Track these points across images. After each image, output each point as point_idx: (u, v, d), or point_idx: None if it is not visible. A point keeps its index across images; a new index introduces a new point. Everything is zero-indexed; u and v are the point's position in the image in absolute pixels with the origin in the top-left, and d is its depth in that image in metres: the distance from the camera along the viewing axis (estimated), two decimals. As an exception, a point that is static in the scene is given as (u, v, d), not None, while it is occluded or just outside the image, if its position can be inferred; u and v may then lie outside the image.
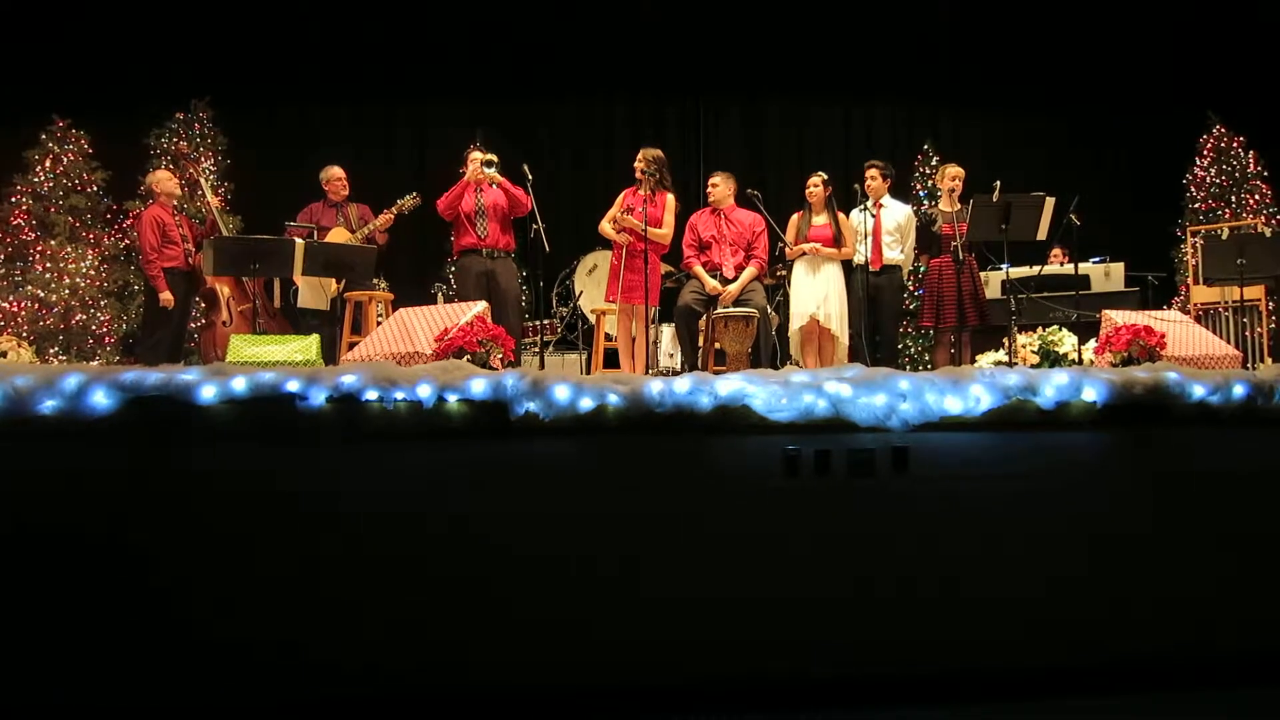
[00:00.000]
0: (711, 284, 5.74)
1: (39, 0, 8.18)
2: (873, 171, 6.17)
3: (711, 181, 6.00)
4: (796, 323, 5.92)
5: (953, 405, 3.13)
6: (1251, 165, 8.56)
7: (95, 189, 7.93)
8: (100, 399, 2.89)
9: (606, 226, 5.88)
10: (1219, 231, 7.93)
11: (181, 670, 2.89)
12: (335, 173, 6.53)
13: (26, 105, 7.81)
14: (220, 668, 2.90)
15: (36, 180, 7.70)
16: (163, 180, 6.35)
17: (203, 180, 6.96)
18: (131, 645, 2.88)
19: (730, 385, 3.08)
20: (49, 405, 2.87)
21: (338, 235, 6.30)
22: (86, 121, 7.97)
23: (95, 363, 7.21)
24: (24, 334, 7.16)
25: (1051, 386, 3.19)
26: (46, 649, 2.86)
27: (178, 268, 6.21)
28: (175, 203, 6.43)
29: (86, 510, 2.89)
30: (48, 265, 7.50)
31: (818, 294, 5.87)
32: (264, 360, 4.72)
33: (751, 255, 5.87)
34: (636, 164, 5.83)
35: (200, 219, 7.03)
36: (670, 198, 5.88)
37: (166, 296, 6.09)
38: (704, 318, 5.79)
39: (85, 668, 2.86)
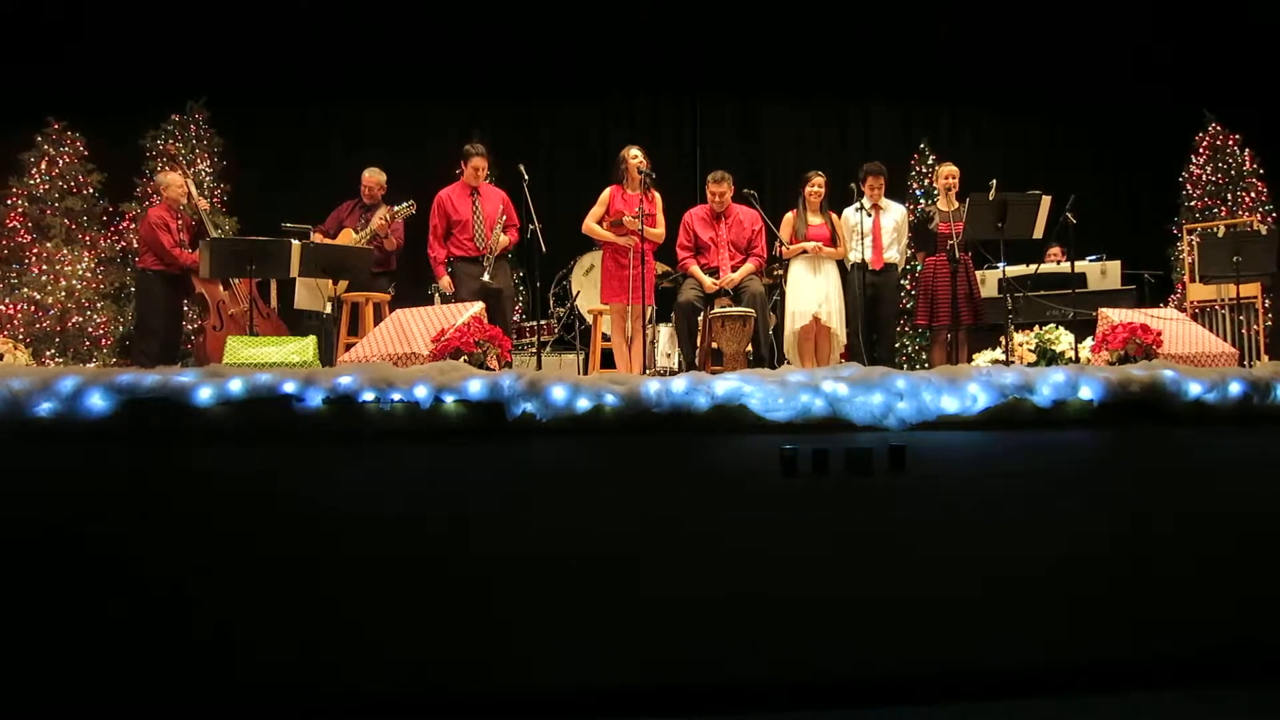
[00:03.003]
0: (710, 282, 5.73)
1: (35, 2, 8.17)
2: (879, 179, 6.16)
3: (718, 190, 5.88)
4: (799, 322, 5.89)
5: (949, 404, 3.14)
6: (1248, 163, 8.57)
7: (91, 191, 7.91)
8: (97, 401, 2.89)
9: (596, 227, 5.86)
10: (1215, 229, 7.95)
11: (178, 671, 2.89)
12: (371, 177, 6.58)
13: (22, 107, 7.79)
14: (218, 668, 2.90)
15: (32, 182, 7.69)
16: (173, 185, 6.35)
17: (190, 185, 6.95)
18: (128, 646, 2.87)
19: (727, 385, 3.08)
20: (46, 408, 2.87)
21: (344, 237, 6.33)
22: (82, 123, 7.95)
23: (92, 365, 7.20)
24: (20, 336, 7.15)
25: (1048, 385, 3.20)
26: (44, 651, 2.85)
27: (172, 270, 6.20)
28: (180, 206, 6.42)
29: (84, 512, 2.89)
30: (44, 268, 7.49)
31: (819, 293, 5.87)
32: (261, 362, 4.72)
33: (751, 253, 5.88)
34: (638, 163, 5.80)
35: (196, 221, 7.03)
36: (658, 195, 5.89)
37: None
38: (703, 316, 5.80)
39: (81, 669, 2.86)
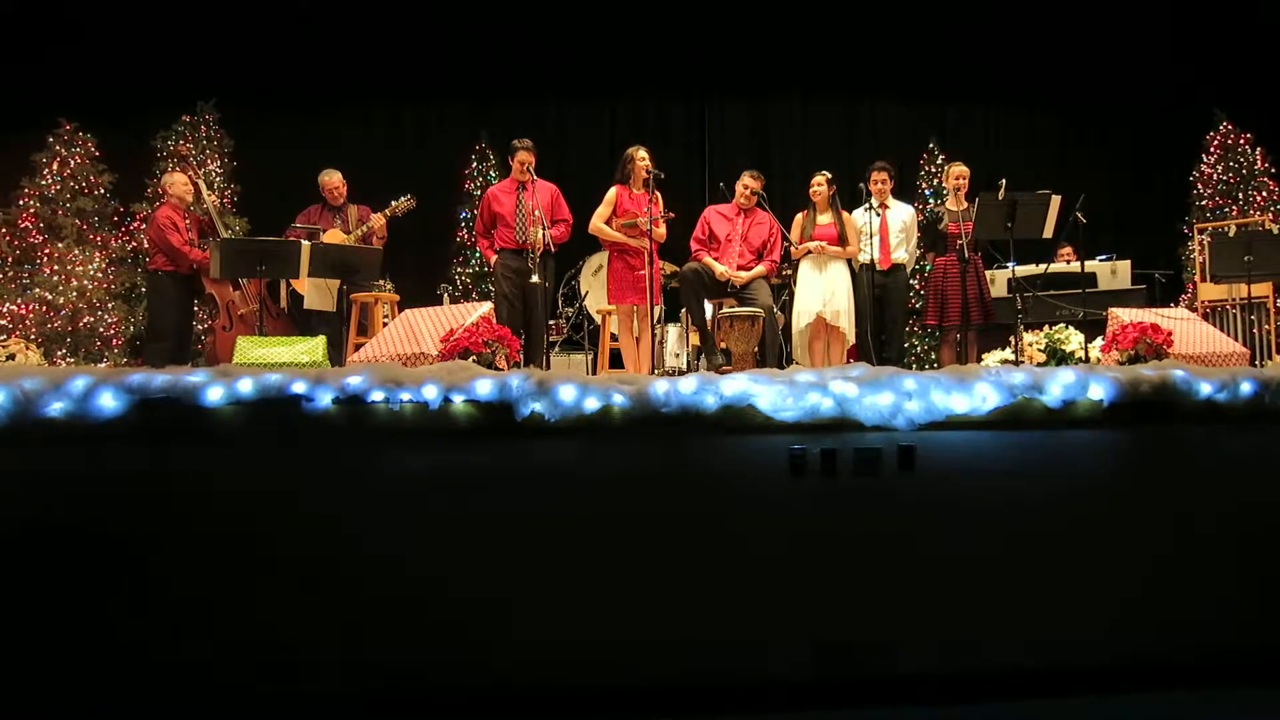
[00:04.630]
0: (721, 270, 5.73)
1: (46, 3, 8.22)
2: (882, 175, 6.15)
3: (753, 185, 5.89)
4: (803, 320, 5.88)
5: (959, 404, 3.13)
6: (1259, 162, 8.53)
7: (102, 191, 7.97)
8: (108, 401, 2.90)
9: (605, 227, 5.86)
10: (1226, 229, 7.91)
11: (185, 670, 2.90)
12: (330, 179, 6.54)
13: (33, 108, 7.85)
14: (227, 669, 2.91)
15: (44, 183, 7.74)
16: (178, 184, 6.37)
17: (201, 184, 6.99)
18: (136, 646, 2.88)
19: (735, 385, 3.08)
20: (57, 408, 2.88)
21: (333, 237, 6.32)
22: (93, 124, 8.00)
23: (103, 365, 7.23)
24: (32, 336, 7.19)
25: (1058, 385, 3.18)
26: (53, 651, 2.87)
27: (183, 270, 6.23)
28: (187, 205, 6.44)
29: (94, 512, 2.90)
30: (55, 268, 7.53)
31: (824, 292, 5.85)
32: (270, 362, 4.74)
33: (764, 258, 5.87)
34: (645, 164, 5.80)
35: (207, 219, 7.06)
36: (659, 196, 5.89)
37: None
38: (709, 297, 5.80)
39: (89, 669, 2.87)
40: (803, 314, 5.88)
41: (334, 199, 6.54)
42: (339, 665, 2.95)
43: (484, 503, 3.01)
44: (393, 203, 6.44)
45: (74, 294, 7.51)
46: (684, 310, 6.18)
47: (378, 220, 6.40)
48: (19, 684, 2.85)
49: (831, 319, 5.82)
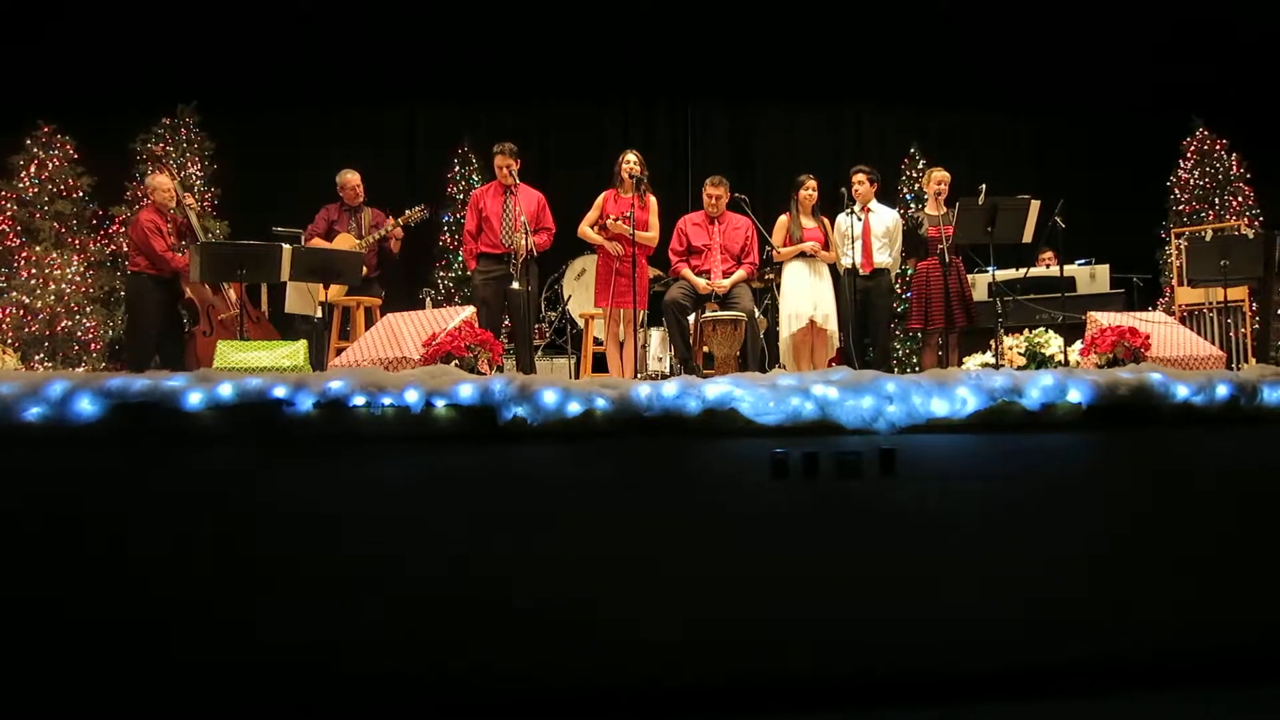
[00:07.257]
0: (703, 284, 5.74)
1: (23, 4, 8.15)
2: (860, 176, 6.16)
3: (715, 193, 5.92)
4: (795, 325, 5.86)
5: (939, 407, 3.15)
6: (1234, 168, 8.64)
7: (81, 194, 7.90)
8: (86, 406, 2.87)
9: (589, 231, 5.87)
10: (1203, 233, 7.99)
11: (169, 678, 2.88)
12: (348, 179, 6.52)
13: (11, 110, 7.77)
14: (209, 674, 2.89)
15: (21, 186, 7.67)
16: (161, 188, 6.31)
17: (176, 185, 6.94)
18: (118, 654, 2.86)
19: (718, 389, 3.09)
20: (34, 412, 2.85)
21: (344, 242, 6.30)
22: (71, 126, 7.94)
23: (81, 369, 7.16)
24: (9, 340, 7.12)
25: (1037, 388, 3.21)
26: (35, 656, 2.84)
27: (163, 274, 6.18)
28: (169, 208, 6.39)
29: (72, 518, 2.87)
30: (33, 271, 7.46)
31: (816, 297, 5.86)
32: (251, 366, 4.71)
33: (743, 260, 5.88)
34: (630, 167, 5.80)
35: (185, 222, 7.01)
36: (653, 200, 5.89)
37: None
38: (693, 314, 5.81)
39: (71, 675, 2.84)
40: (794, 318, 5.87)
41: (350, 199, 6.51)
42: (320, 666, 2.93)
43: (467, 507, 3.00)
44: (407, 211, 6.44)
45: (52, 298, 7.44)
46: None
47: (395, 230, 6.38)
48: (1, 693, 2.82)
49: (822, 322, 5.84)
